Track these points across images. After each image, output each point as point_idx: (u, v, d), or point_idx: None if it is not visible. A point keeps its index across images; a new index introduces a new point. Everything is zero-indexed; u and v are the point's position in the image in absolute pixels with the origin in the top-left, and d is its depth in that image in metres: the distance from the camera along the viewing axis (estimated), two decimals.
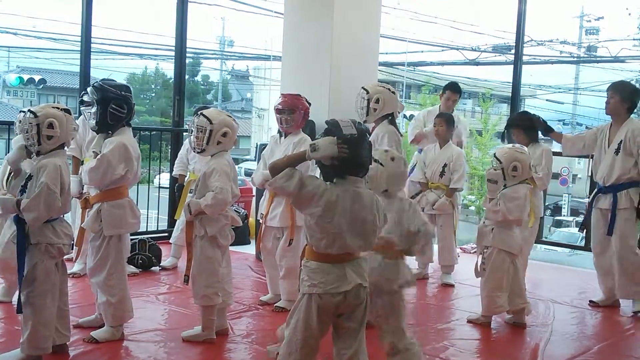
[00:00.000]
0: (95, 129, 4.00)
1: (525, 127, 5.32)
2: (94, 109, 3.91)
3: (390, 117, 5.04)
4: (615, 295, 5.27)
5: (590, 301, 5.37)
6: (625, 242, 5.07)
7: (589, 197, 5.40)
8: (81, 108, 4.72)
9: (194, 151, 4.16)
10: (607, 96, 5.19)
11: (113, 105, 3.87)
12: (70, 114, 3.60)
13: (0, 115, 23.59)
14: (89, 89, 3.98)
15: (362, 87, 5.07)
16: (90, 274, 4.03)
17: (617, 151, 5.08)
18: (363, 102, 5.01)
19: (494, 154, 4.68)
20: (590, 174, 5.86)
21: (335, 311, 2.92)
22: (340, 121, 2.96)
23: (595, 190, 5.28)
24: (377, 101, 4.92)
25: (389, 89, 5.03)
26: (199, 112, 4.09)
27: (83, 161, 5.14)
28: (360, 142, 2.93)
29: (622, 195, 5.06)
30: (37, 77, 22.12)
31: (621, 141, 5.06)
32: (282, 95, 5.01)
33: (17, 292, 3.63)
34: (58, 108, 3.57)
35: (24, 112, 4.30)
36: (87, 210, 4.01)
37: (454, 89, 6.45)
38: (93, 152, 3.96)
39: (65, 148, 3.68)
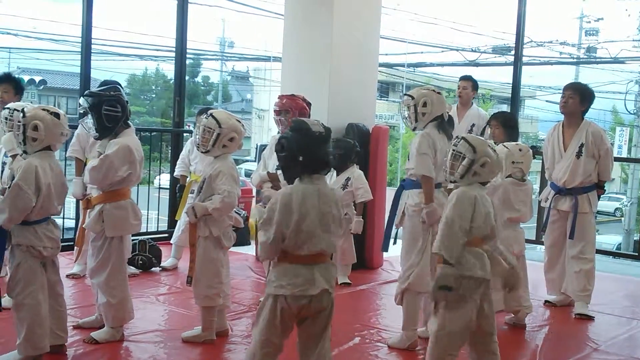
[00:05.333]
0: (97, 136, 3.98)
1: (508, 126, 5.18)
2: (90, 118, 3.91)
3: (440, 120, 4.31)
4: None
5: (546, 301, 5.35)
6: (585, 248, 5.06)
7: (546, 199, 5.30)
8: (79, 121, 4.72)
9: (198, 149, 4.17)
10: (565, 95, 5.14)
11: (106, 107, 3.86)
12: (59, 118, 3.56)
13: None
14: (80, 101, 3.98)
15: (405, 94, 4.52)
16: (91, 275, 4.04)
17: (578, 154, 5.04)
18: (410, 110, 4.35)
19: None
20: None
21: (298, 315, 2.96)
22: (309, 120, 3.07)
23: (554, 192, 5.19)
24: (425, 104, 4.27)
25: (434, 91, 4.40)
26: (208, 113, 4.08)
27: (86, 163, 5.15)
28: (327, 140, 3.03)
29: (584, 199, 5.05)
30: (37, 78, 22.11)
31: (582, 144, 5.03)
32: (279, 96, 5.01)
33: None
34: (48, 111, 3.55)
35: (8, 109, 4.33)
36: (89, 210, 4.02)
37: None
38: (98, 151, 3.97)
39: (71, 150, 3.67)
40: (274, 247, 2.92)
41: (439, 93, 4.34)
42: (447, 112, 4.46)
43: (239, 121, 4.09)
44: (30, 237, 3.49)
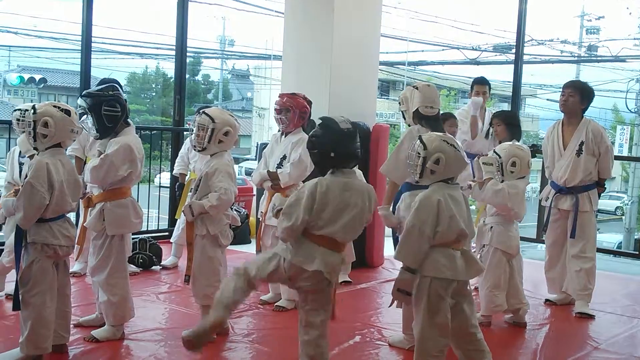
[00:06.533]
0: (98, 137, 3.98)
1: (509, 124, 5.24)
2: (89, 118, 3.90)
3: (419, 116, 4.21)
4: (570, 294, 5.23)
5: (547, 300, 5.35)
6: (585, 247, 5.05)
7: (546, 197, 5.28)
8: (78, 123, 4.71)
9: (194, 149, 4.17)
10: (565, 93, 5.11)
11: (106, 107, 3.85)
12: (70, 115, 3.56)
13: (0, 115, 23.59)
14: (79, 101, 3.97)
15: None
16: (91, 273, 4.03)
17: (578, 152, 5.03)
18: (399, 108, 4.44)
19: (494, 150, 4.70)
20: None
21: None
22: (336, 117, 3.22)
23: (555, 191, 5.18)
24: (401, 103, 4.34)
25: (414, 87, 4.30)
26: (200, 111, 4.09)
27: (85, 161, 5.14)
28: (355, 135, 3.18)
29: (584, 198, 5.05)
30: (37, 77, 22.17)
31: (582, 142, 5.02)
32: (279, 95, 5.00)
33: (13, 289, 3.63)
34: (59, 107, 3.55)
35: (19, 110, 4.32)
36: (90, 209, 4.01)
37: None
38: (98, 150, 3.96)
39: (70, 149, 3.66)
40: (295, 231, 3.08)
41: (415, 88, 4.25)
42: (429, 107, 4.18)
43: (232, 116, 4.09)
44: (45, 235, 3.48)
